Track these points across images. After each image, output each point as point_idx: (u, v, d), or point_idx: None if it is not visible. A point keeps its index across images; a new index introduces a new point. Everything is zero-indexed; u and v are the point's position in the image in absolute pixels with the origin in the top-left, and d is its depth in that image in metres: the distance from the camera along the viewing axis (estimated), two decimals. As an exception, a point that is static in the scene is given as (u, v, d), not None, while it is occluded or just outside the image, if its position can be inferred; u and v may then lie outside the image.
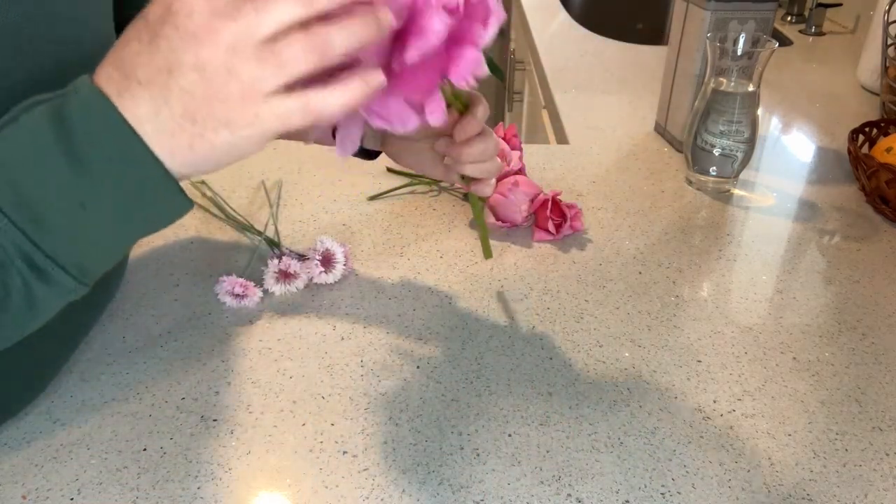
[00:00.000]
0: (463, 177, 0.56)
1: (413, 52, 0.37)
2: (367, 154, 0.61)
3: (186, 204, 0.35)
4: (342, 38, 0.32)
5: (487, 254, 0.63)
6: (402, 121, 0.40)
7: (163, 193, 0.34)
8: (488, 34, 0.39)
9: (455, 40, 0.39)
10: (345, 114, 0.34)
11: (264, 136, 0.33)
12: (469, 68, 0.39)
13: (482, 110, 0.50)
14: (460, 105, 0.50)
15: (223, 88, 0.31)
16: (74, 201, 0.32)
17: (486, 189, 0.55)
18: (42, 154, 0.32)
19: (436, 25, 0.36)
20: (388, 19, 0.33)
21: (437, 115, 0.40)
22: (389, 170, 0.84)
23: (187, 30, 0.31)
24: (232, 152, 0.33)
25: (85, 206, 0.32)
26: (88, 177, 0.32)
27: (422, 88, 0.39)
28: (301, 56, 0.31)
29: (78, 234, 0.33)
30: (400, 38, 0.38)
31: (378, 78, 0.34)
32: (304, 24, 0.32)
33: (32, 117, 0.32)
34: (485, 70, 0.40)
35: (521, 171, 0.79)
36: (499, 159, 0.54)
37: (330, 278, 0.65)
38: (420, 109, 0.40)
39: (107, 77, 0.33)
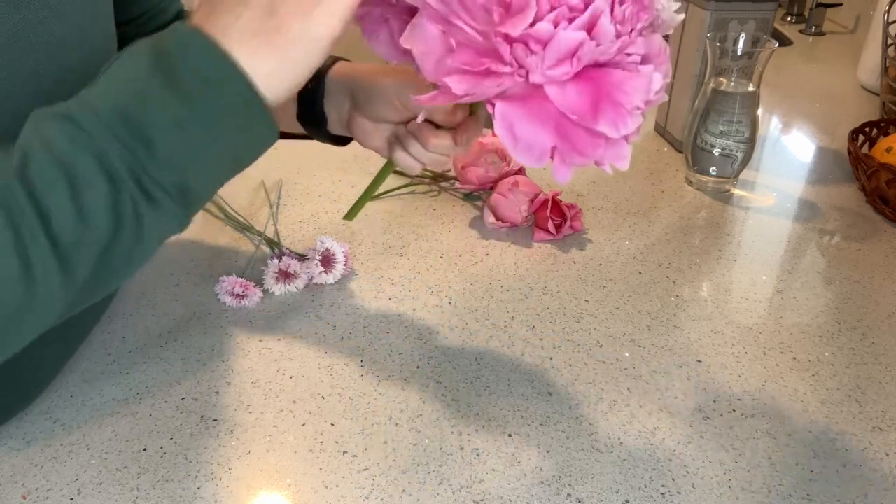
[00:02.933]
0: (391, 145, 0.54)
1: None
2: (336, 140, 0.59)
3: (273, 129, 0.38)
4: None
5: (351, 215, 0.58)
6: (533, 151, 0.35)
7: (251, 112, 0.37)
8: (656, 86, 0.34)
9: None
10: None
11: (339, 21, 0.36)
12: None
13: (483, 112, 0.50)
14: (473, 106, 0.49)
15: None
16: (173, 122, 0.35)
17: (416, 167, 0.53)
18: (144, 81, 0.35)
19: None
20: None
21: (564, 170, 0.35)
22: (389, 170, 0.84)
23: None
24: (308, 47, 0.36)
25: (183, 126, 0.35)
26: (186, 99, 0.35)
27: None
28: None
29: (178, 154, 0.36)
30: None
31: None
32: None
33: (137, 52, 0.36)
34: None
35: (521, 171, 0.79)
36: (448, 159, 0.53)
37: (330, 278, 0.65)
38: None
39: (195, 18, 0.37)
